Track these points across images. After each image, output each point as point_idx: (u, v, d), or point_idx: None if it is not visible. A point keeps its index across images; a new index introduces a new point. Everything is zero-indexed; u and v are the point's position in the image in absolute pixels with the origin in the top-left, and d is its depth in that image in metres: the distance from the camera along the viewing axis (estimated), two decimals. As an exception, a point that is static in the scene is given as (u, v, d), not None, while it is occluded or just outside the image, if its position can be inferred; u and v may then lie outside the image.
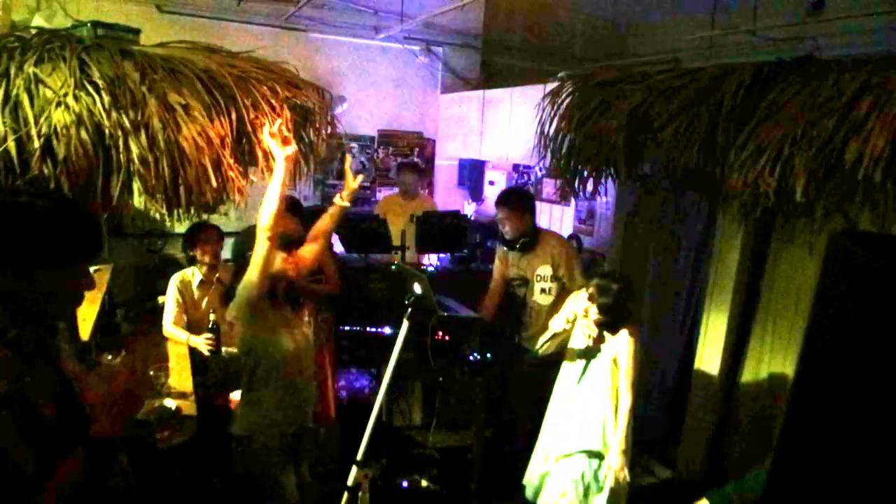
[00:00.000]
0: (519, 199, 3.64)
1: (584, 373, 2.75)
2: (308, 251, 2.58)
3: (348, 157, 2.88)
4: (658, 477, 3.75)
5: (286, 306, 2.46)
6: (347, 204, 2.65)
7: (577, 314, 2.70)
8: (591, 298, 2.65)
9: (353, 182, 2.64)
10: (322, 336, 3.63)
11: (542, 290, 3.52)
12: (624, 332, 2.66)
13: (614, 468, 2.60)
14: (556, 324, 2.71)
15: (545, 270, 3.53)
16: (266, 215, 2.19)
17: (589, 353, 2.73)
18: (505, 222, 3.55)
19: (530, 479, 2.94)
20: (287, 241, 2.41)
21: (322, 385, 3.46)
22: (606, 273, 3.08)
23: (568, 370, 2.85)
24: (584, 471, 2.69)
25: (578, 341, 2.80)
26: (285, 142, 2.34)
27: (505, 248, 3.67)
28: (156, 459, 2.43)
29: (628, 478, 2.65)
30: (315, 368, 2.90)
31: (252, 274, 2.25)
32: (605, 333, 2.70)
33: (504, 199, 3.61)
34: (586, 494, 2.68)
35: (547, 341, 2.86)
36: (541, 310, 3.47)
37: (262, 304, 2.33)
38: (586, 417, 2.72)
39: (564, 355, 2.88)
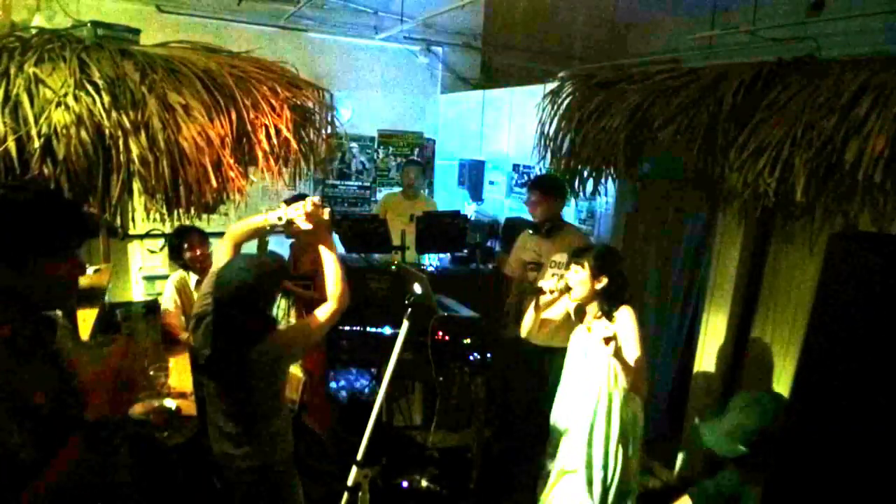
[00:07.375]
0: (553, 184, 3.70)
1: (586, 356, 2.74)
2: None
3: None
4: (658, 477, 3.75)
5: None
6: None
7: (567, 281, 2.67)
8: (576, 262, 2.66)
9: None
10: None
11: (554, 276, 3.53)
12: (623, 312, 2.62)
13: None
14: (547, 284, 2.71)
15: (561, 258, 3.53)
16: (340, 288, 2.23)
17: (588, 343, 2.69)
18: (536, 205, 3.64)
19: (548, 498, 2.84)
20: None
21: (315, 390, 3.44)
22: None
23: (570, 370, 2.83)
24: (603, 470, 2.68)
25: (578, 339, 2.79)
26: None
27: (529, 232, 3.73)
28: (158, 458, 2.44)
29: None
30: (305, 376, 2.91)
31: (315, 332, 2.24)
32: (605, 321, 2.64)
33: (538, 183, 3.70)
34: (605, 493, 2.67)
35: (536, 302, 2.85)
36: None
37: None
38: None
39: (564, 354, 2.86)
